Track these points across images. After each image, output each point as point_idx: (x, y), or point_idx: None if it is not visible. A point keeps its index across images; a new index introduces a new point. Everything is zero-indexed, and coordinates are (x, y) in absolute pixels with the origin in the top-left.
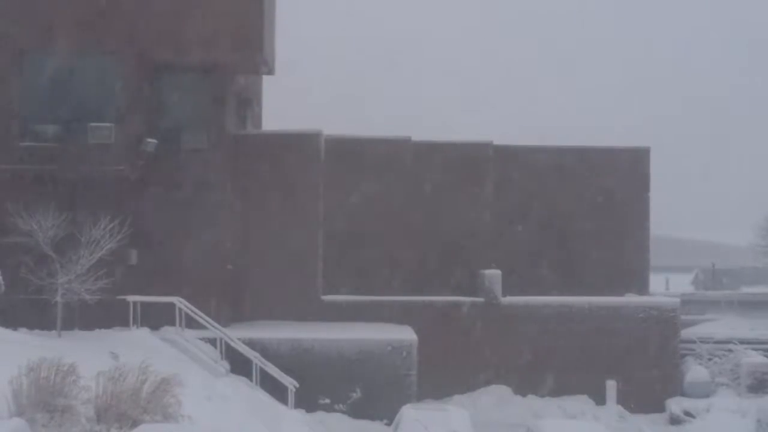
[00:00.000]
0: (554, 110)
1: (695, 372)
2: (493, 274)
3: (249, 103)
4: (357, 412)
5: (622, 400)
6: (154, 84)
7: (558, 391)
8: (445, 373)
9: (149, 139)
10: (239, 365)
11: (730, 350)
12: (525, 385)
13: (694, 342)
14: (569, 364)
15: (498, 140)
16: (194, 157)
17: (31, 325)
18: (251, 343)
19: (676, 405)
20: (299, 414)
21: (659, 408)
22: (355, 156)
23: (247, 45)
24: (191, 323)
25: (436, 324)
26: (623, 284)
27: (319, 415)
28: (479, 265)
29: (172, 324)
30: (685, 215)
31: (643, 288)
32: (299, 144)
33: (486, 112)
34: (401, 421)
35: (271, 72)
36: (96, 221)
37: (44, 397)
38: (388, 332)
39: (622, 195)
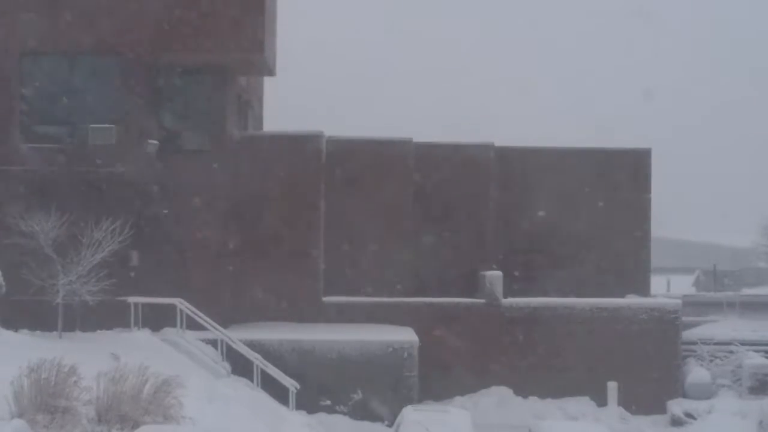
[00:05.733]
0: (555, 111)
1: (696, 373)
2: (494, 276)
3: (250, 104)
4: (358, 413)
5: (624, 401)
6: (156, 85)
7: (559, 393)
8: (446, 374)
9: (150, 141)
10: (240, 367)
11: (731, 352)
12: (526, 387)
13: (695, 343)
14: (570, 365)
15: (499, 141)
16: (195, 158)
17: (32, 327)
18: (252, 345)
19: (677, 406)
20: (300, 415)
21: (660, 409)
22: (356, 157)
23: (248, 46)
24: (192, 324)
25: (437, 325)
26: (624, 285)
27: (320, 416)
28: (480, 266)
29: (173, 325)
30: (686, 217)
31: (644, 289)
32: (300, 145)
33: (487, 113)
34: (402, 423)
35: (272, 73)
36: (97, 222)
37: (45, 398)
38: (389, 333)
39: (623, 196)
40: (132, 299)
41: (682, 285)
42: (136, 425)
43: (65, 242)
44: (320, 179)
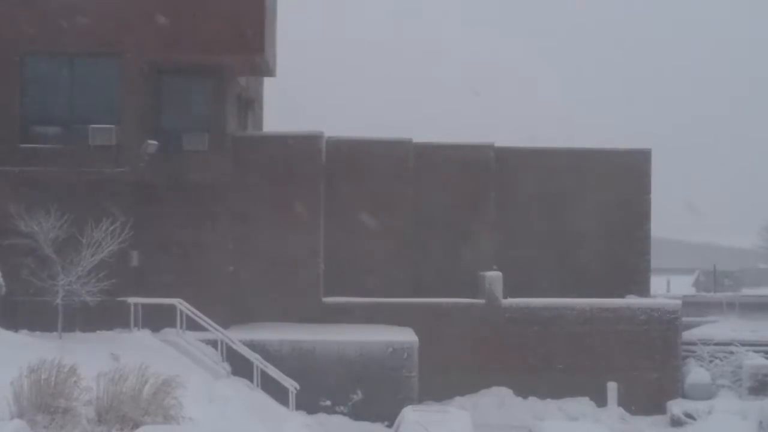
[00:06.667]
0: (555, 111)
1: (696, 374)
2: (494, 276)
3: (250, 104)
4: (358, 413)
5: (623, 401)
6: (156, 86)
7: (559, 393)
8: (446, 374)
9: (150, 141)
10: (240, 367)
11: (731, 352)
12: (526, 387)
13: (695, 344)
14: (570, 365)
15: (499, 141)
16: (195, 158)
17: (32, 327)
18: (252, 345)
19: (677, 407)
20: (300, 416)
21: (660, 410)
22: (356, 157)
23: (249, 47)
24: (192, 325)
25: (437, 326)
26: (624, 286)
27: (320, 416)
28: (480, 267)
29: (173, 326)
30: (686, 217)
31: (644, 290)
32: (300, 145)
33: (487, 114)
34: (402, 423)
35: (272, 73)
36: (97, 223)
37: (45, 398)
38: (389, 334)
39: (623, 197)
40: (132, 299)
41: (682, 285)
42: (136, 426)
43: (65, 242)
44: (320, 179)
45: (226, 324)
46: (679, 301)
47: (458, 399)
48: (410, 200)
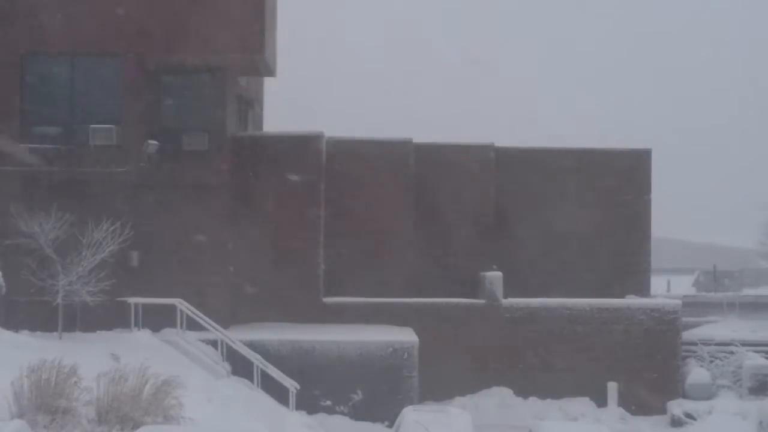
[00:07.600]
0: (555, 111)
1: (697, 374)
2: (494, 276)
3: (250, 104)
4: (358, 413)
5: (624, 401)
6: (156, 86)
7: (559, 393)
8: (446, 374)
9: (151, 141)
10: (240, 367)
11: (731, 352)
12: (526, 387)
13: (695, 344)
14: (570, 365)
15: (499, 141)
16: (195, 158)
17: (32, 327)
18: (252, 345)
19: (677, 407)
20: (300, 416)
21: (660, 410)
22: (356, 157)
23: (249, 46)
24: (192, 325)
25: (438, 326)
26: (624, 286)
27: (321, 417)
28: (480, 267)
29: (173, 326)
30: (686, 217)
31: (644, 290)
32: (301, 146)
33: (487, 114)
34: (402, 423)
35: (272, 73)
36: (98, 223)
37: (45, 398)
38: (390, 334)
39: (624, 197)
40: (132, 299)
41: (682, 285)
42: (136, 426)
43: (65, 243)
44: (320, 179)
45: (226, 324)
46: (679, 301)
47: (458, 399)
48: (410, 199)
